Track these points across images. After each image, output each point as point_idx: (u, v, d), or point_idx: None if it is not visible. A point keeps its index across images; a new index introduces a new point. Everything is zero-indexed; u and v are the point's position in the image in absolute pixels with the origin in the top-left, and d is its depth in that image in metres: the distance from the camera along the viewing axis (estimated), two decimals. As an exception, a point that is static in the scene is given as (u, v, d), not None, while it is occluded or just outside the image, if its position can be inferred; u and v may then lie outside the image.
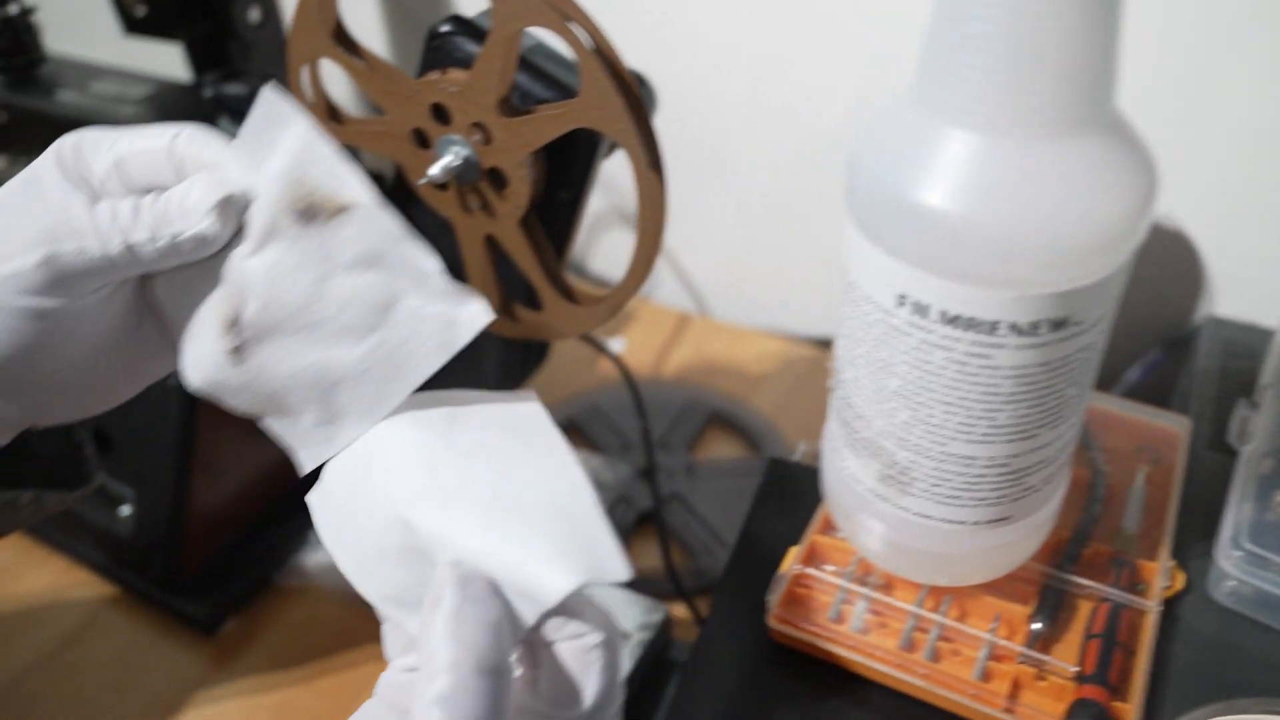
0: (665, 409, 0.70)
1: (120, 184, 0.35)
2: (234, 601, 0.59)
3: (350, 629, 0.59)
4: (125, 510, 0.59)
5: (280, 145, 0.34)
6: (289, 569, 0.62)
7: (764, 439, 0.68)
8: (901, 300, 0.32)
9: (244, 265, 0.34)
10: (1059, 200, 0.28)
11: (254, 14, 0.64)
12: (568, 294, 0.47)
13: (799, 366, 0.76)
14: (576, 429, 0.70)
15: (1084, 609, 0.41)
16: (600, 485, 0.61)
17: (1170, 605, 0.41)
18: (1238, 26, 0.56)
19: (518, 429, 0.34)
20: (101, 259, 0.33)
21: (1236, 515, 0.42)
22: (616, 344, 0.79)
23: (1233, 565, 0.40)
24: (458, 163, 0.43)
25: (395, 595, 0.33)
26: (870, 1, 0.65)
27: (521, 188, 0.43)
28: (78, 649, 0.59)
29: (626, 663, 0.49)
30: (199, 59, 0.65)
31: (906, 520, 0.37)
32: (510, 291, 0.50)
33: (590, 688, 0.29)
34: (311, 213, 0.34)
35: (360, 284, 0.34)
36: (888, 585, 0.42)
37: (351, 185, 0.33)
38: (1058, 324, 0.31)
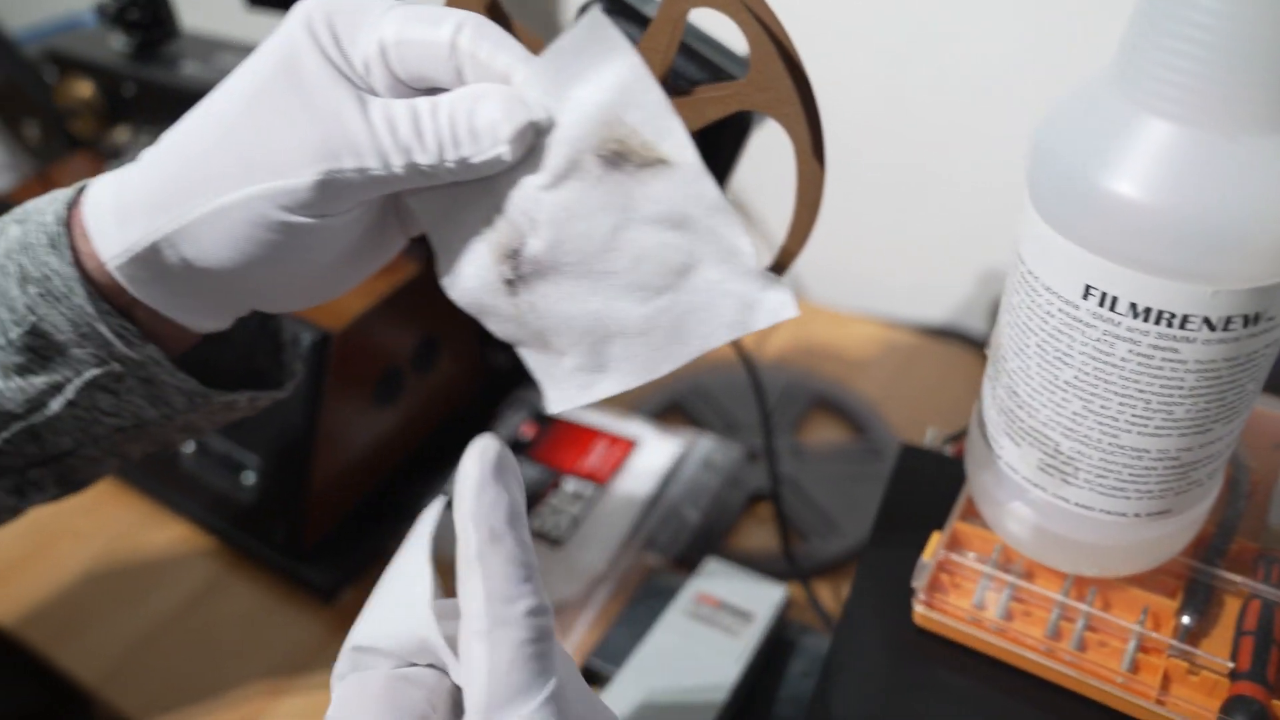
0: (769, 392, 0.70)
1: (386, 74, 0.31)
2: (353, 569, 0.61)
3: (464, 599, 0.60)
4: (249, 478, 0.61)
5: (599, 76, 0.30)
6: (402, 538, 0.63)
7: (868, 424, 0.68)
8: (1088, 292, 0.32)
9: (536, 196, 0.31)
10: (1266, 196, 0.28)
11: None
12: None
13: (900, 352, 0.76)
14: (681, 409, 0.70)
15: (1231, 605, 0.41)
16: (711, 466, 0.62)
17: (1322, 604, 0.41)
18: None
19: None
20: (386, 177, 0.31)
21: (1391, 515, 0.41)
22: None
23: (1389, 566, 0.40)
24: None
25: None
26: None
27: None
28: (203, 611, 0.61)
29: (752, 642, 0.50)
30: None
31: (1064, 510, 0.37)
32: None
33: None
34: (622, 158, 0.30)
35: (661, 241, 0.31)
36: (1030, 573, 0.42)
37: (676, 140, 0.30)
38: (1250, 319, 0.31)
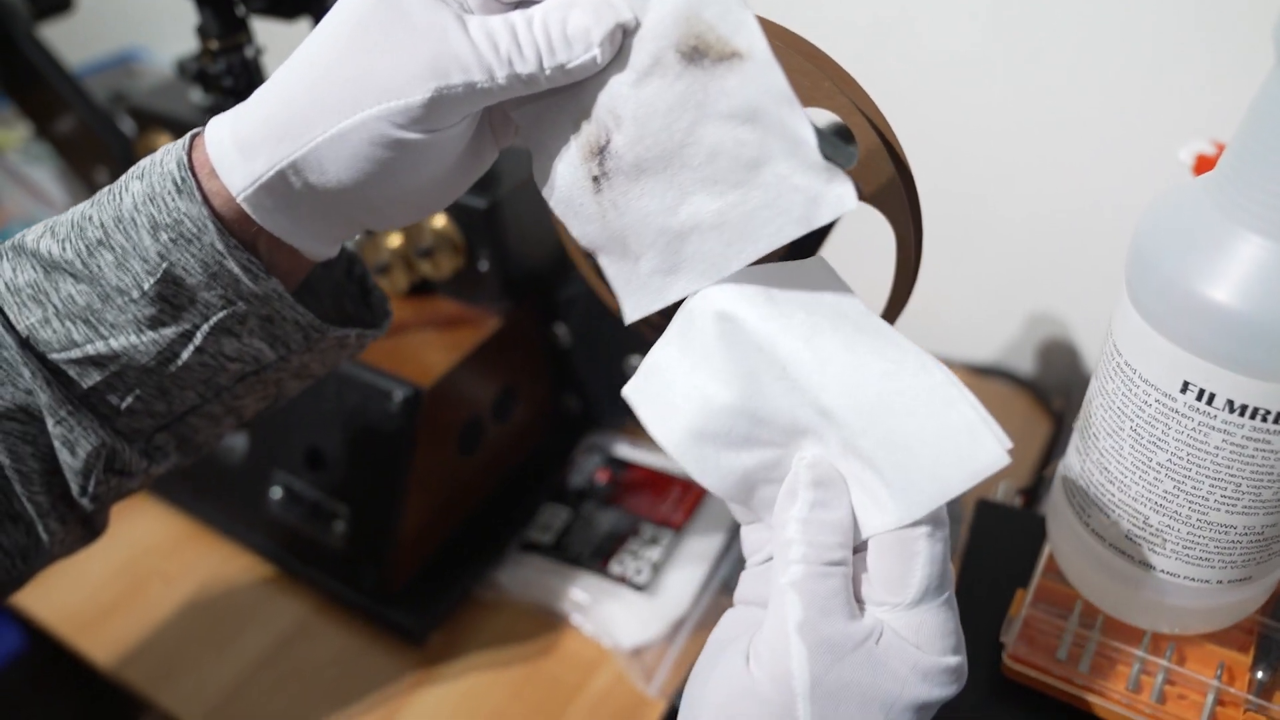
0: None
1: None
2: (440, 613, 0.63)
3: (543, 639, 0.63)
4: (340, 526, 0.63)
5: None
6: (486, 582, 0.66)
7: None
8: (1186, 387, 0.34)
9: (621, 94, 0.33)
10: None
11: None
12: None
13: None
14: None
15: (1302, 658, 0.43)
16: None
17: (1386, 655, 0.44)
18: None
19: (848, 315, 0.33)
20: (491, 89, 0.33)
21: None
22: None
23: None
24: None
25: (733, 487, 0.34)
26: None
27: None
28: (294, 654, 0.64)
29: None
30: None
31: (1150, 575, 0.40)
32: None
33: (916, 575, 0.31)
34: (700, 53, 0.32)
35: (734, 136, 0.32)
36: (1110, 630, 0.45)
37: (749, 33, 0.31)
38: (1338, 413, 0.33)
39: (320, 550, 0.65)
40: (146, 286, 0.36)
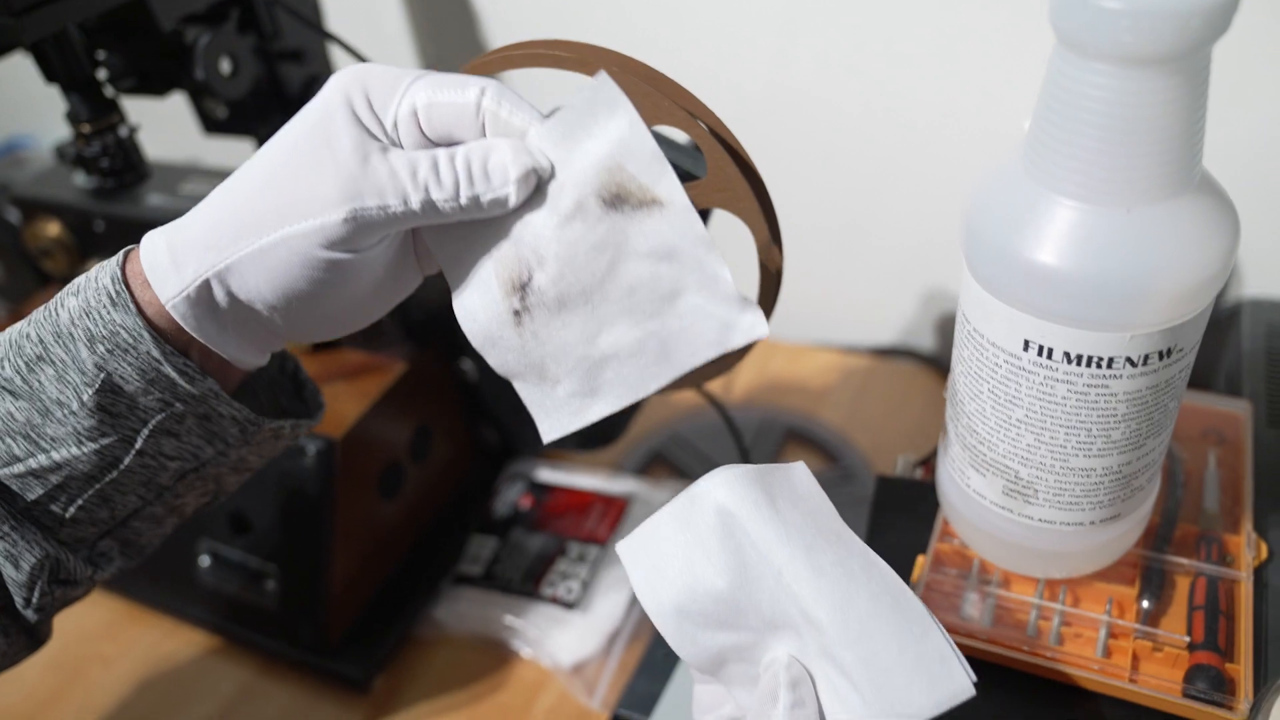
0: (742, 430, 0.75)
1: (415, 132, 0.36)
2: (382, 658, 0.64)
3: (486, 668, 0.64)
4: (271, 585, 0.64)
5: (604, 130, 0.35)
6: (423, 620, 0.66)
7: (838, 450, 0.74)
8: (1027, 345, 0.37)
9: (545, 234, 0.36)
10: (1165, 256, 0.34)
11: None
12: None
13: (858, 376, 0.82)
14: (664, 460, 0.75)
15: (1182, 585, 0.46)
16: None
17: (1259, 573, 0.47)
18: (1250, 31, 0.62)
19: (838, 532, 0.35)
20: (405, 214, 0.35)
21: (1307, 486, 0.47)
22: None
23: (1310, 532, 0.46)
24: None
25: (706, 661, 0.36)
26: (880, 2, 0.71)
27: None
28: (242, 718, 0.64)
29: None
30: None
31: (1029, 526, 0.42)
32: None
33: None
34: (621, 200, 0.35)
35: (653, 272, 0.36)
36: (1007, 582, 0.47)
37: (667, 182, 0.35)
38: (1165, 354, 0.36)
39: (255, 612, 0.65)
40: (85, 398, 0.37)
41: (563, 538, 0.65)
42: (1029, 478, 0.41)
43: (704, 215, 0.50)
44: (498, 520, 0.68)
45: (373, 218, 0.35)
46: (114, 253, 0.39)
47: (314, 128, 0.36)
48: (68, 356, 0.37)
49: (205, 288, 0.36)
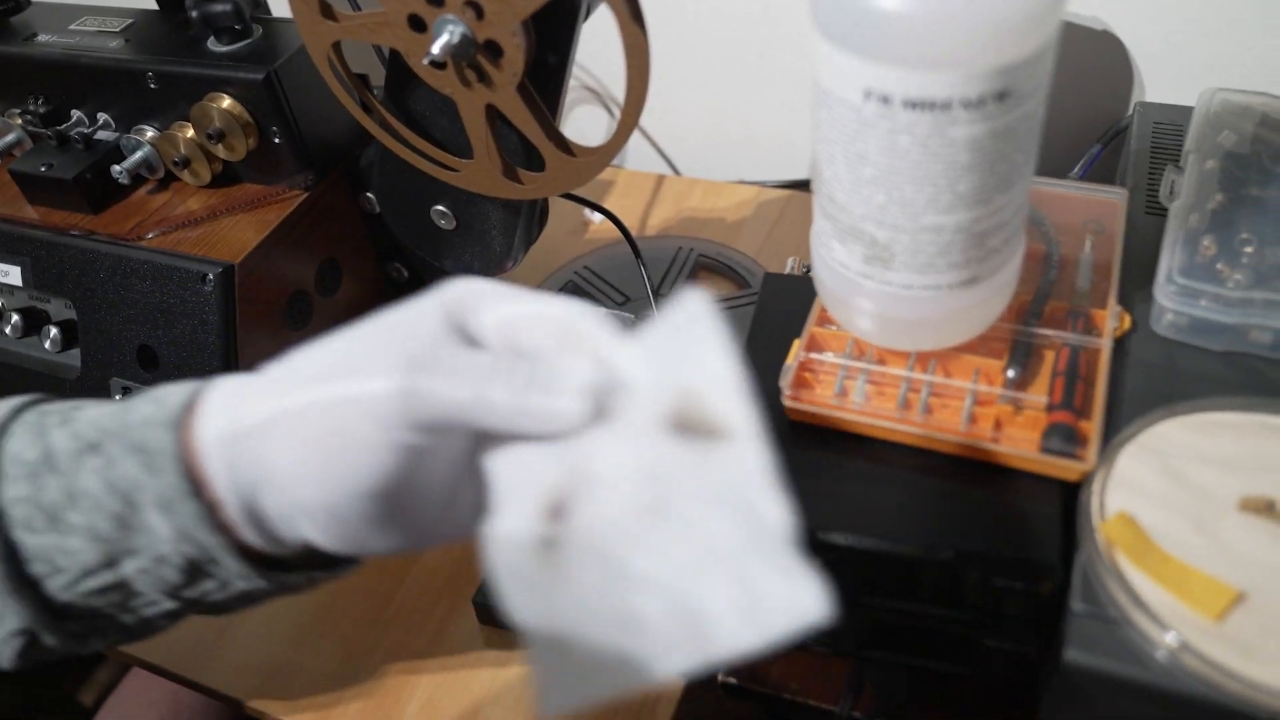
0: (657, 262, 0.76)
1: (501, 341, 0.35)
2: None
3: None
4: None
5: (690, 357, 0.31)
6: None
7: (748, 276, 0.74)
8: (868, 94, 0.37)
9: (593, 450, 0.33)
10: (989, -13, 0.34)
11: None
12: (566, 149, 0.52)
13: (773, 209, 0.82)
14: (578, 290, 0.76)
15: (1049, 356, 0.48)
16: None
17: (1121, 342, 0.48)
18: None
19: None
20: (454, 401, 0.32)
21: (1169, 259, 0.48)
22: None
23: (1169, 300, 0.47)
24: (455, 40, 0.48)
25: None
26: None
27: (516, 55, 0.48)
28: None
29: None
30: (171, -15, 0.68)
31: (892, 294, 0.43)
32: (512, 157, 0.55)
33: None
34: (687, 429, 0.31)
35: (703, 520, 0.31)
36: (880, 359, 0.49)
37: (742, 415, 0.31)
38: (1000, 96, 0.36)
39: None
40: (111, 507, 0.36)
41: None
42: (885, 240, 0.42)
43: (574, 14, 0.50)
44: (408, 349, 0.69)
45: (427, 398, 0.32)
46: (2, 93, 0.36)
47: (406, 314, 0.35)
48: (118, 456, 0.36)
49: (246, 436, 0.34)
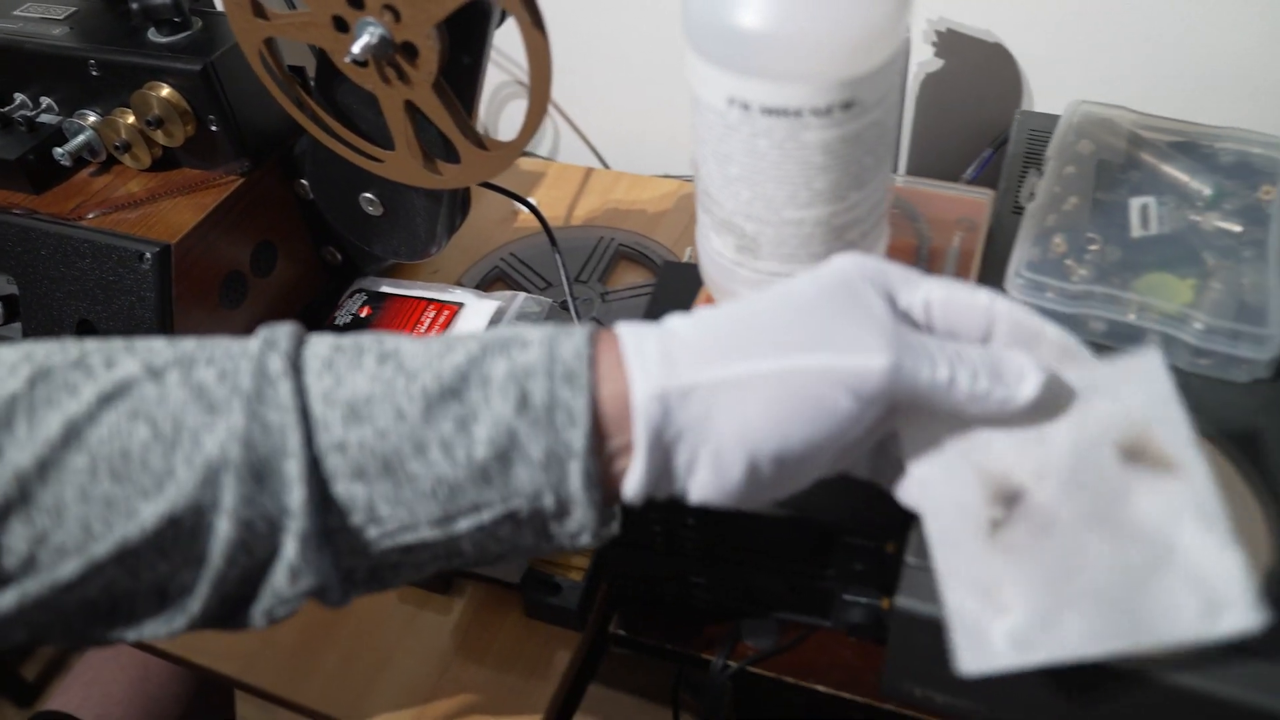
0: (578, 250, 0.80)
1: (921, 318, 0.36)
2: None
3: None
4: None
5: (1140, 388, 0.36)
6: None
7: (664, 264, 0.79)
8: (731, 101, 0.42)
9: (1054, 458, 0.35)
10: (833, 12, 0.39)
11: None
12: (479, 143, 0.57)
13: (692, 202, 0.87)
14: (503, 276, 0.80)
15: (912, 341, 0.53)
16: (527, 316, 0.72)
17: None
18: None
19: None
20: (933, 384, 0.34)
21: (1020, 255, 0.53)
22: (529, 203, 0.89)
23: (1018, 291, 0.52)
24: (374, 40, 0.52)
25: None
26: None
27: (430, 56, 0.52)
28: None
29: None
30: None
31: (761, 280, 0.48)
32: (431, 149, 0.59)
33: None
34: (1137, 456, 0.35)
35: (1148, 531, 0.34)
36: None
37: (1190, 454, 0.34)
38: (846, 105, 0.41)
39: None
40: (478, 454, 0.34)
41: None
42: (753, 232, 0.46)
43: (486, 20, 0.54)
44: (338, 328, 0.73)
45: (909, 378, 0.33)
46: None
47: (839, 287, 0.35)
48: (482, 405, 0.34)
49: (689, 395, 0.33)
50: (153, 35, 0.66)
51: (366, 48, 0.52)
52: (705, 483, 0.35)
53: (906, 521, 0.46)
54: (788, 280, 0.36)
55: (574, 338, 0.35)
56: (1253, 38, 0.68)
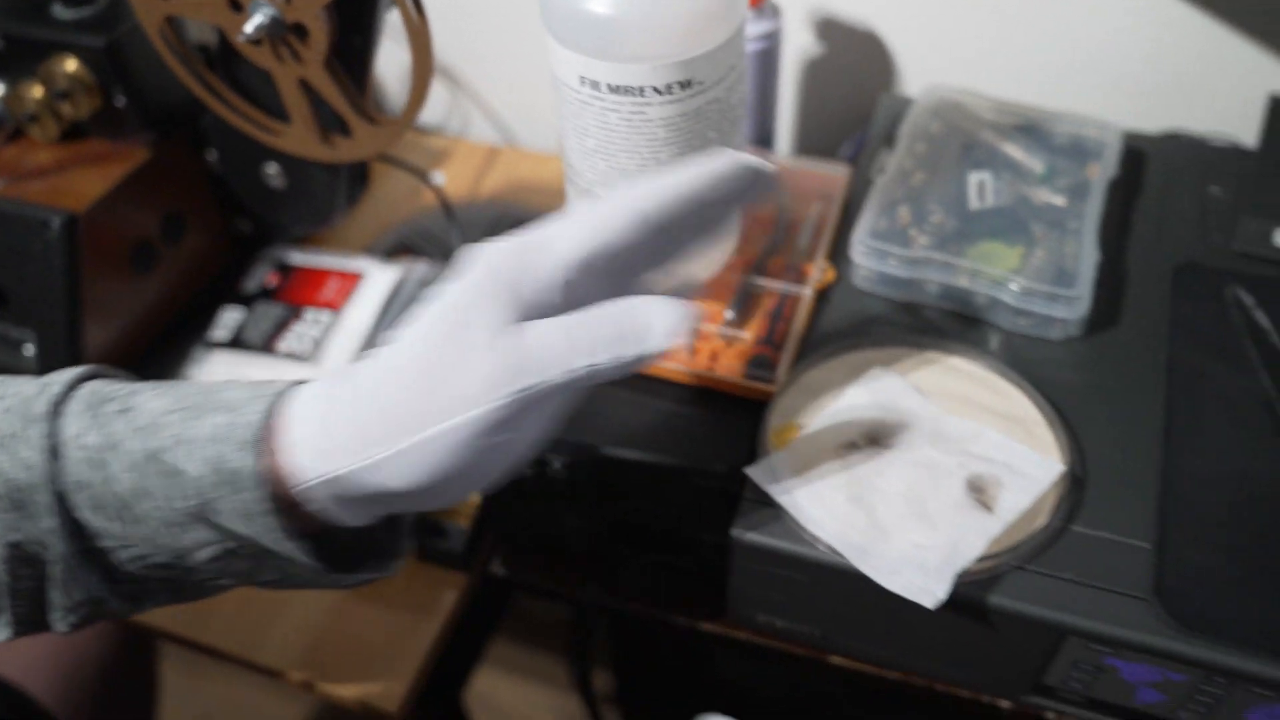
0: (479, 223, 0.84)
1: (566, 300, 0.36)
2: (138, 412, 0.72)
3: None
4: (29, 350, 0.71)
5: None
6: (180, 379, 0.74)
7: (564, 238, 0.83)
8: (583, 80, 0.46)
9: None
10: (658, 9, 0.43)
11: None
12: (370, 119, 0.60)
13: (592, 179, 0.91)
14: (407, 247, 0.84)
15: (768, 302, 0.58)
16: (427, 284, 0.75)
17: (825, 293, 0.58)
18: None
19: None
20: (565, 384, 0.34)
21: (865, 224, 0.59)
22: (438, 178, 0.92)
23: (861, 258, 0.57)
24: (266, 20, 0.55)
25: None
26: None
27: (320, 36, 0.56)
28: None
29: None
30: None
31: (624, 246, 0.53)
32: (326, 124, 0.62)
33: None
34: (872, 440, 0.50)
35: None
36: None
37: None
38: (685, 84, 0.46)
39: (15, 373, 0.72)
40: (178, 505, 0.37)
41: (301, 306, 0.74)
42: (612, 201, 0.51)
43: (375, 3, 0.58)
44: (245, 295, 0.76)
45: (535, 395, 0.35)
46: None
47: (442, 331, 0.36)
48: (186, 462, 0.37)
49: (349, 477, 0.36)
50: (58, 11, 0.69)
51: (259, 28, 0.55)
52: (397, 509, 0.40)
53: (745, 461, 0.51)
54: (398, 336, 0.37)
55: (262, 402, 0.37)
56: (1107, 31, 0.74)
